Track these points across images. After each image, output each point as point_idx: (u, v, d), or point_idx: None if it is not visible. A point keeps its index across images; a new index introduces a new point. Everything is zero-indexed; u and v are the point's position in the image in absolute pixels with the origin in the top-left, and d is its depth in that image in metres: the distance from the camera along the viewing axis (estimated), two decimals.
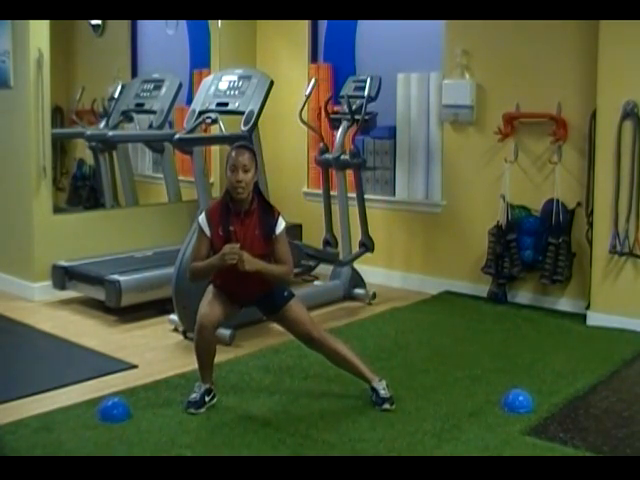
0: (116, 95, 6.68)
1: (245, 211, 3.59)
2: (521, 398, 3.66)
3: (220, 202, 3.66)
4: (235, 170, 3.50)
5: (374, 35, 6.26)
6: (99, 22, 7.77)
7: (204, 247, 3.60)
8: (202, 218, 3.62)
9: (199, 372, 3.72)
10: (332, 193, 5.76)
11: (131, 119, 6.52)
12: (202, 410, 3.61)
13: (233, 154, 3.54)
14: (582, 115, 5.16)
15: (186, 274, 3.88)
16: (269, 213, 3.63)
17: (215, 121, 5.34)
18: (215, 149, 6.72)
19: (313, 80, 5.74)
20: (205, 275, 3.65)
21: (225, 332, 4.61)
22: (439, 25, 5.72)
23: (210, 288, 3.69)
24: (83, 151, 7.44)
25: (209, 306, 3.59)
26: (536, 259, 5.34)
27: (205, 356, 3.66)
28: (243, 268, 3.45)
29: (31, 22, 5.34)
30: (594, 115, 5.03)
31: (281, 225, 3.63)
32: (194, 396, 3.65)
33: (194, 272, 3.63)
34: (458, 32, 5.64)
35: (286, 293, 3.69)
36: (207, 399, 3.66)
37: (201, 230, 3.62)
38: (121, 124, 6.58)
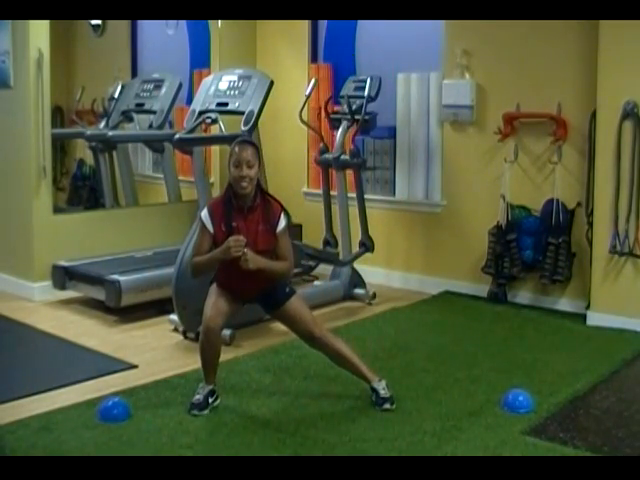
0: (116, 95, 6.67)
1: (248, 207, 3.58)
2: (521, 398, 3.65)
3: (222, 198, 3.65)
4: (239, 165, 3.49)
5: (374, 35, 6.26)
6: (99, 22, 7.78)
7: (206, 242, 3.58)
8: (204, 214, 3.61)
9: (203, 373, 3.70)
10: (332, 193, 5.75)
11: (131, 119, 6.51)
12: (205, 412, 3.60)
13: (236, 149, 3.54)
14: (582, 115, 5.16)
15: (187, 271, 3.87)
16: (272, 209, 3.64)
17: (215, 121, 5.34)
18: (215, 149, 6.72)
19: (313, 80, 5.74)
20: (207, 269, 3.63)
21: (225, 332, 4.60)
22: (439, 25, 5.72)
23: (213, 287, 3.67)
24: (83, 151, 7.44)
25: (214, 307, 3.57)
26: (536, 259, 5.34)
27: (211, 358, 3.64)
28: (247, 267, 3.44)
29: (31, 22, 5.34)
30: (594, 115, 5.03)
31: (283, 222, 3.64)
32: (197, 397, 3.63)
33: (196, 266, 3.60)
34: (458, 32, 5.64)
35: (288, 289, 3.69)
36: (210, 400, 3.64)
37: (203, 225, 3.60)
38: (121, 124, 6.58)
